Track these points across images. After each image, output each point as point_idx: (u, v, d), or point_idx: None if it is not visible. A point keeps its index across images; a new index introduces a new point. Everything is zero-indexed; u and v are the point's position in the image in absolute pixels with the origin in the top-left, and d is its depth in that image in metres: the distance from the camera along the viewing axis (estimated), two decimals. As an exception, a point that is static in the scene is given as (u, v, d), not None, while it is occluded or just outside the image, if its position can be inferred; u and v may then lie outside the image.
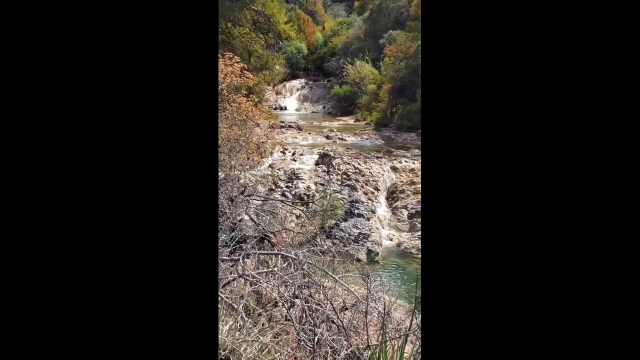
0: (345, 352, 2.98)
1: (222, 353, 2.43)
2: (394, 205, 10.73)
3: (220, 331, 2.52)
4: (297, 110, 22.82)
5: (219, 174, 5.51)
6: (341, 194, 10.17)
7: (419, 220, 10.02)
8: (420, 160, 11.79)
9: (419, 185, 10.86)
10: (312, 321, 3.35)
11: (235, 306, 3.19)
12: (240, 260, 4.16)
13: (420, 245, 9.78)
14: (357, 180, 11.00)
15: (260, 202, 6.20)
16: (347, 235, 8.90)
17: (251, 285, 3.83)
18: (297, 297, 3.67)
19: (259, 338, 2.70)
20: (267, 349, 2.63)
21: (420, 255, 9.18)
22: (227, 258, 4.39)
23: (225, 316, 2.93)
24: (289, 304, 3.57)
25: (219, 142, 5.21)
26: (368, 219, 9.65)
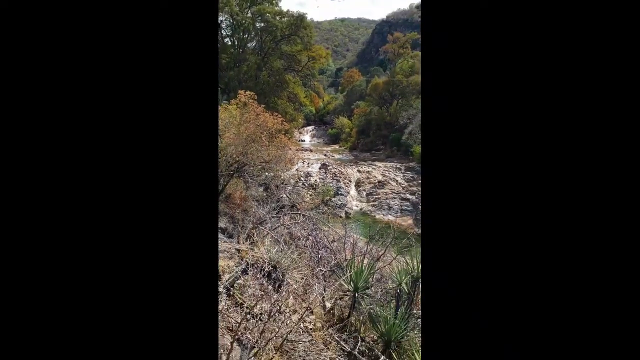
0: (333, 263, 4.69)
1: (271, 263, 3.62)
2: (359, 189, 18.52)
3: (271, 252, 3.89)
4: (309, 141, 37.25)
5: (270, 174, 8.92)
6: (332, 183, 17.94)
7: (372, 197, 17.66)
8: (372, 166, 20.51)
9: (372, 179, 18.42)
10: (317, 247, 5.10)
11: (279, 240, 4.84)
12: (281, 217, 6.87)
13: (371, 209, 17.49)
14: (340, 176, 19.21)
15: (291, 187, 11.66)
16: (335, 204, 15.81)
17: (287, 229, 5.99)
18: (310, 235, 5.58)
19: (290, 255, 3.91)
20: (294, 262, 3.94)
21: (372, 215, 16.88)
22: (275, 216, 7.12)
23: (274, 244, 4.46)
24: (305, 238, 5.49)
25: (270, 158, 8.30)
26: (345, 196, 17.27)
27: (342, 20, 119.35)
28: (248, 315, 2.52)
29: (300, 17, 26.98)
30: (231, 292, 2.88)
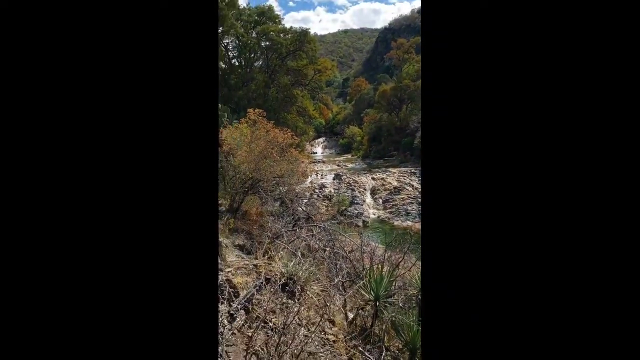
0: (352, 272, 5.03)
1: (287, 276, 3.63)
2: (374, 197, 18.66)
3: (288, 265, 3.89)
4: (321, 153, 38.16)
5: (284, 188, 9.05)
6: (347, 193, 17.87)
7: (389, 203, 17.53)
8: (386, 173, 20.45)
9: (387, 185, 18.37)
10: (335, 258, 5.43)
11: (296, 253, 4.79)
12: (297, 229, 7.02)
13: (389, 216, 17.32)
14: (354, 185, 19.20)
15: (306, 200, 11.75)
16: (352, 213, 15.79)
17: (303, 241, 6.18)
18: (327, 246, 5.88)
19: (308, 268, 3.94)
20: (312, 274, 3.92)
21: (390, 222, 16.72)
22: (291, 229, 7.14)
23: (291, 257, 4.43)
24: (322, 250, 5.70)
25: (283, 172, 8.50)
26: (361, 205, 17.31)
27: (345, 31, 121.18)
28: (266, 329, 2.52)
29: (304, 33, 27.55)
30: (249, 308, 2.90)
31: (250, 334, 2.28)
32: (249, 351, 2.08)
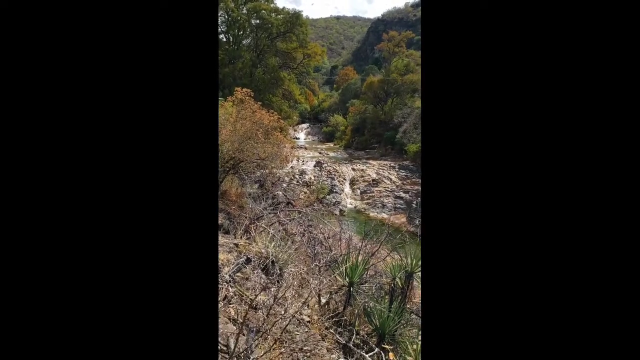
0: (329, 258, 5.04)
1: (270, 258, 3.95)
2: (353, 187, 18.79)
3: (269, 247, 4.24)
4: (304, 139, 38.20)
5: (265, 171, 9.14)
6: (326, 181, 18.19)
7: (367, 194, 17.87)
8: (366, 165, 20.79)
9: (367, 177, 18.70)
10: (313, 243, 5.50)
11: (276, 235, 5.18)
12: (278, 213, 7.20)
13: (365, 207, 17.69)
14: (334, 174, 19.54)
15: (286, 185, 12.05)
16: (330, 201, 15.96)
17: (282, 225, 6.48)
18: (305, 231, 6.07)
19: (287, 250, 4.31)
20: (291, 256, 4.28)
21: (366, 213, 17.11)
22: (271, 213, 7.26)
23: (271, 240, 4.75)
24: (301, 234, 5.89)
25: (266, 155, 8.48)
26: (340, 194, 17.70)
27: (338, 18, 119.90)
28: (253, 304, 2.62)
29: (296, 15, 27.07)
30: (232, 285, 2.97)
31: (235, 308, 2.36)
32: (242, 322, 2.16)
